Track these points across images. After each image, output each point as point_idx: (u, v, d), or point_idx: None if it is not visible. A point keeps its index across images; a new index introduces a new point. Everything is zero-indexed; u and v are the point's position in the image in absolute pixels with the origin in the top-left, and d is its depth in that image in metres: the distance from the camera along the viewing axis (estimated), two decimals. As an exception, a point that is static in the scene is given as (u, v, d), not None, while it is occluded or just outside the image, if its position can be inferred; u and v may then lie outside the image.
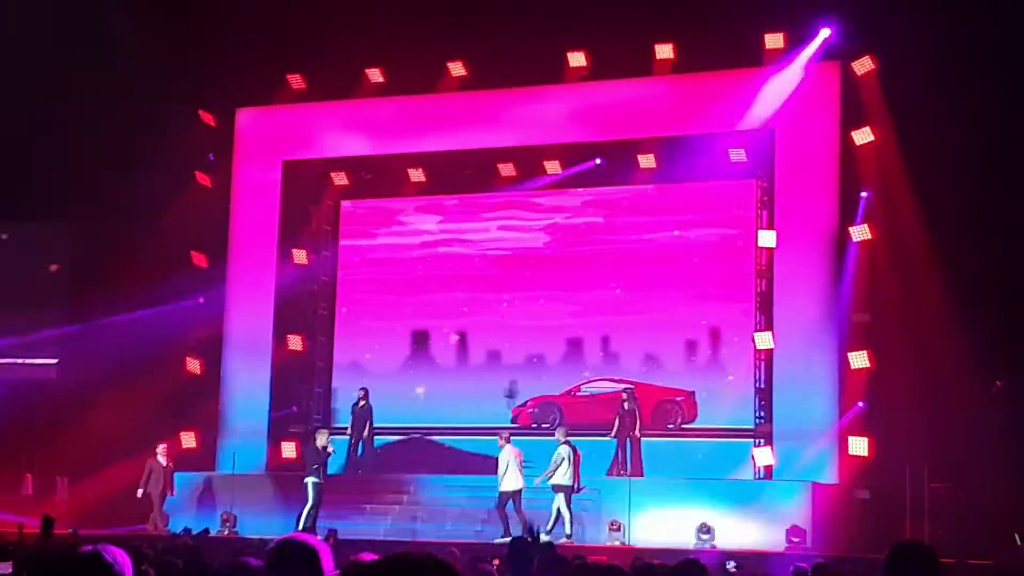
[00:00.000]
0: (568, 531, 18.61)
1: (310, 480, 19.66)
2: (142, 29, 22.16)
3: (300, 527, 19.01)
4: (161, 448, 21.17)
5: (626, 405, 21.06)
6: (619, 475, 20.61)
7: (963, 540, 16.56)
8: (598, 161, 22.34)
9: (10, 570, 7.88)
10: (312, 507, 19.54)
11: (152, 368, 22.27)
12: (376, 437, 22.60)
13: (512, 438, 19.67)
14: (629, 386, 21.61)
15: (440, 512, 20.42)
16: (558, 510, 18.72)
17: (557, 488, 18.81)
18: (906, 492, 18.70)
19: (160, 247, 22.90)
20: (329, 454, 19.99)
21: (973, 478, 18.34)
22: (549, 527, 18.29)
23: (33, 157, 23.37)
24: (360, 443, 22.51)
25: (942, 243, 18.95)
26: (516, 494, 18.92)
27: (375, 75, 22.58)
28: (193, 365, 23.00)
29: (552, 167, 22.62)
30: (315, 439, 20.11)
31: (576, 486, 19.01)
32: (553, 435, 19.62)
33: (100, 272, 23.32)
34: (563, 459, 18.84)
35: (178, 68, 22.39)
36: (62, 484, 23.30)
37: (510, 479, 18.96)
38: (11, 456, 22.91)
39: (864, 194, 20.07)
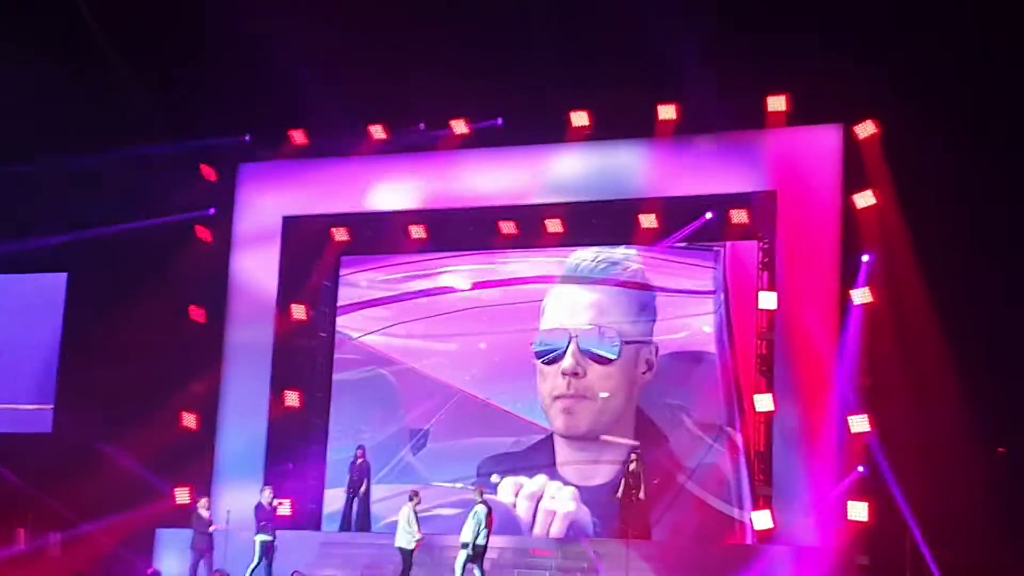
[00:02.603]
0: None
1: (258, 538, 19.75)
2: (145, 82, 22.32)
3: None
4: (203, 502, 20.67)
5: (632, 466, 20.92)
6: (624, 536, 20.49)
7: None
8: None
9: None
10: (257, 564, 19.60)
11: (147, 422, 22.18)
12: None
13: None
14: (636, 446, 21.46)
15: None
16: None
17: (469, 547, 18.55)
18: (906, 558, 18.53)
19: (159, 301, 22.87)
20: (274, 509, 20.08)
21: (974, 545, 18.17)
22: None
23: (31, 208, 23.41)
24: (355, 499, 22.41)
25: (945, 307, 18.89)
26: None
27: (377, 131, 22.66)
28: (189, 420, 22.85)
29: (553, 225, 22.60)
30: (261, 495, 20.20)
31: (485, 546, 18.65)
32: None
33: (97, 324, 23.26)
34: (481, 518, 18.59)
35: (181, 122, 22.49)
36: (55, 539, 23.14)
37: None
38: (4, 510, 22.74)
39: (866, 257, 20.00)
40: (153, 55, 22.66)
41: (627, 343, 22.63)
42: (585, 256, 23.20)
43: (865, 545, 19.20)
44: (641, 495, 20.77)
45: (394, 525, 19.46)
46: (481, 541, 18.47)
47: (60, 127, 22.87)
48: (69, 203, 23.03)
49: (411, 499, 19.12)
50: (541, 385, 23.05)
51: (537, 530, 22.27)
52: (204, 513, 20.21)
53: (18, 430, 24.33)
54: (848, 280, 20.09)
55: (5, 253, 24.17)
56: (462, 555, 18.53)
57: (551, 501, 22.47)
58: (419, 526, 18.93)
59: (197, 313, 23.31)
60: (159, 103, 22.34)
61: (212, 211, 23.67)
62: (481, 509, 18.64)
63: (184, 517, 22.04)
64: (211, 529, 19.99)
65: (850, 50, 19.09)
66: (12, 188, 23.09)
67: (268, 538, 19.82)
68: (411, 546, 18.84)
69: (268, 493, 20.29)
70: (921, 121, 18.92)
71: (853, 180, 20.22)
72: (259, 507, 20.11)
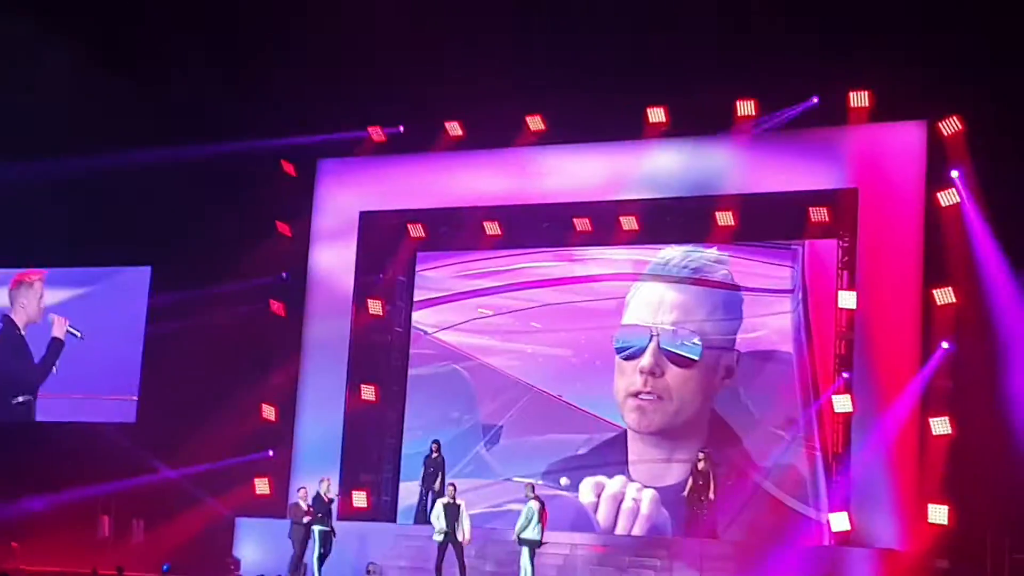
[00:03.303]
0: None
1: (316, 527, 20.06)
2: (225, 79, 22.60)
3: (316, 571, 19.91)
4: (301, 492, 20.80)
5: (700, 465, 20.79)
6: (692, 536, 20.39)
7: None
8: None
9: None
10: (321, 553, 19.96)
11: (228, 413, 22.48)
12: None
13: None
14: (705, 448, 21.33)
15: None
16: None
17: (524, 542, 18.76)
18: (987, 562, 18.24)
19: (240, 294, 23.21)
20: (331, 501, 20.32)
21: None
22: None
23: (120, 204, 23.80)
24: (430, 493, 22.52)
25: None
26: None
27: (454, 128, 22.72)
28: (268, 412, 23.11)
29: (629, 223, 22.49)
30: (319, 486, 20.45)
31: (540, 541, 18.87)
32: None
33: (179, 317, 23.61)
34: (533, 513, 18.80)
35: (261, 119, 22.73)
36: (138, 527, 23.53)
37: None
38: (89, 498, 23.17)
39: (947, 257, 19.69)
40: (233, 52, 22.95)
41: (708, 348, 22.45)
42: (673, 254, 23.02)
43: (945, 548, 18.90)
44: (711, 495, 20.64)
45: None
46: (530, 535, 18.66)
47: (143, 123, 23.28)
48: (153, 198, 23.36)
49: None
50: (618, 381, 22.98)
51: (619, 530, 22.23)
52: (303, 504, 20.43)
53: (103, 420, 24.79)
54: (930, 279, 19.76)
55: (91, 247, 24.65)
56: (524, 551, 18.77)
57: (632, 503, 22.43)
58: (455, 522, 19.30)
59: (277, 307, 23.56)
60: (240, 100, 22.53)
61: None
62: (534, 505, 18.80)
63: (263, 507, 22.43)
64: (305, 520, 20.19)
65: (934, 46, 18.78)
66: (97, 183, 23.48)
67: (326, 528, 20.06)
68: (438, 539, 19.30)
69: (326, 485, 20.49)
70: (1006, 118, 18.58)
71: (936, 178, 19.89)
72: (316, 498, 20.37)
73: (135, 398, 24.65)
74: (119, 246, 24.63)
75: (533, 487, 19.41)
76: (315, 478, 21.44)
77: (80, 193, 23.88)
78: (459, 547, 19.34)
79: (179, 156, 22.83)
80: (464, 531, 19.44)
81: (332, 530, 20.16)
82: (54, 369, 25.18)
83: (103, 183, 23.49)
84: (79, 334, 24.87)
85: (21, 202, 24.32)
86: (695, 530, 20.61)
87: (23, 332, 25.50)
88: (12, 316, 25.65)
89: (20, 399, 25.17)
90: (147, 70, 23.23)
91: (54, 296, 25.72)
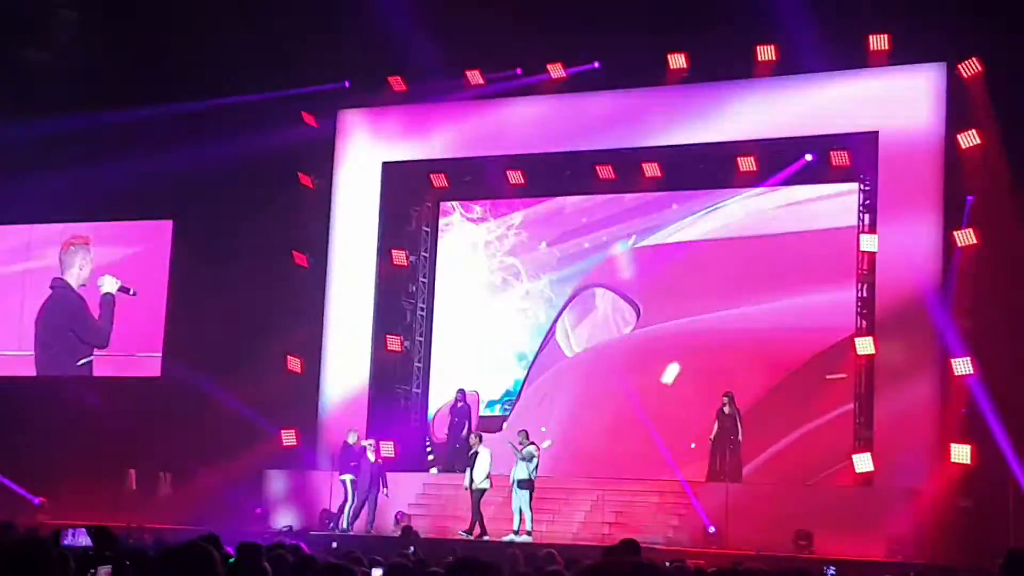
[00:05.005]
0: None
1: (346, 478, 20.63)
2: (245, 29, 22.56)
3: (345, 525, 20.61)
4: (369, 443, 21.23)
5: (726, 409, 20.95)
6: (717, 480, 20.58)
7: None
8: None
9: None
10: (351, 503, 20.63)
11: (253, 366, 22.61)
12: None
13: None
14: (728, 391, 21.47)
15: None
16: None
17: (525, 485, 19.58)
18: (1009, 501, 18.36)
19: (263, 246, 23.29)
20: (364, 450, 20.74)
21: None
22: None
23: (142, 158, 23.82)
24: (456, 442, 22.70)
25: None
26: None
27: (475, 77, 22.72)
28: (294, 363, 23.23)
29: (651, 169, 22.55)
30: (347, 437, 20.88)
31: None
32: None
33: (203, 269, 23.72)
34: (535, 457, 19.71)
35: (282, 69, 22.73)
36: (165, 480, 23.69)
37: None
38: (116, 452, 23.31)
39: (969, 198, 19.72)
40: (253, 2, 22.95)
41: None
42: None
43: (967, 488, 19.03)
44: (739, 438, 20.83)
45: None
46: (531, 477, 19.55)
47: (164, 74, 23.29)
48: (174, 150, 23.37)
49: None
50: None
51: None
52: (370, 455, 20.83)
53: (129, 374, 24.95)
54: (951, 222, 19.83)
55: (113, 200, 24.68)
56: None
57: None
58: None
59: (300, 258, 23.63)
60: (260, 50, 22.51)
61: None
62: (534, 449, 19.79)
63: (289, 458, 22.60)
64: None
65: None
66: (117, 135, 23.50)
67: (354, 477, 20.42)
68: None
69: (354, 436, 20.82)
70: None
71: (957, 120, 19.90)
72: (345, 447, 20.56)
73: (159, 354, 24.77)
74: (141, 200, 24.65)
75: (527, 433, 19.91)
76: (342, 429, 21.71)
77: (101, 147, 23.84)
78: (473, 494, 19.73)
79: (200, 109, 22.85)
80: (474, 478, 19.76)
81: (377, 483, 20.52)
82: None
83: (124, 137, 23.48)
84: (132, 291, 24.90)
85: (37, 158, 24.35)
86: (721, 474, 20.79)
87: (79, 293, 25.61)
88: (66, 278, 25.71)
89: (83, 360, 25.33)
90: (174, 22, 23.14)
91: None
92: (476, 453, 20.08)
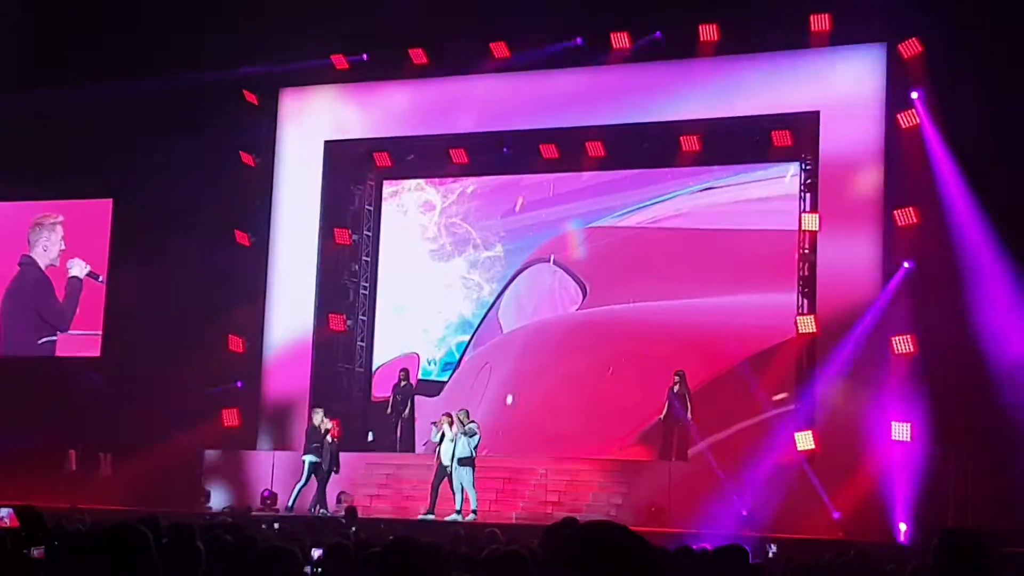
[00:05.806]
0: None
1: (307, 458, 20.35)
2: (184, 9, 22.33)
3: (290, 504, 20.26)
4: (323, 420, 20.96)
5: (676, 388, 21.03)
6: (666, 458, 20.65)
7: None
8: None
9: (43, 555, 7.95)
10: (304, 483, 20.27)
11: (195, 345, 22.43)
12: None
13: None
14: (680, 369, 21.54)
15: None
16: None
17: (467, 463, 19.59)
18: (947, 478, 18.55)
19: (204, 225, 23.05)
20: (326, 432, 20.47)
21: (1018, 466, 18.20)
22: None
23: (81, 136, 23.50)
24: (399, 421, 22.65)
25: (989, 223, 18.78)
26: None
27: (418, 56, 22.59)
28: (236, 343, 23.07)
29: (594, 149, 22.53)
30: (311, 418, 20.65)
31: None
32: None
33: (144, 248, 23.46)
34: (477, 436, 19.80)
35: (223, 48, 22.50)
36: (106, 461, 23.47)
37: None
38: (55, 433, 23.06)
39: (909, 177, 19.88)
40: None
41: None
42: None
43: (907, 466, 19.19)
44: (688, 416, 20.93)
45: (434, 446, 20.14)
46: (472, 455, 19.59)
47: (102, 55, 22.99)
48: (114, 129, 23.11)
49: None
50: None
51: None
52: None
53: (68, 354, 24.67)
54: (892, 200, 19.97)
55: (51, 180, 24.35)
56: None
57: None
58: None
59: (242, 237, 23.43)
60: (202, 29, 22.27)
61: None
62: (475, 426, 19.83)
63: (231, 439, 22.46)
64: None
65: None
66: (56, 115, 23.19)
67: (316, 459, 20.22)
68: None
69: (319, 415, 20.59)
70: (964, 40, 18.73)
71: (897, 100, 20.04)
72: (310, 428, 20.40)
73: (99, 332, 24.49)
74: (81, 179, 24.33)
75: (468, 413, 19.98)
76: (284, 409, 21.57)
77: (40, 126, 23.52)
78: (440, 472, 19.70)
79: (141, 88, 22.56)
80: (441, 456, 19.70)
81: (331, 461, 20.36)
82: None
83: (64, 116, 23.17)
84: (100, 278, 24.57)
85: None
86: (670, 452, 20.86)
87: (46, 273, 25.26)
88: (34, 256, 25.36)
89: (45, 339, 24.99)
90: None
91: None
92: (443, 434, 19.80)
